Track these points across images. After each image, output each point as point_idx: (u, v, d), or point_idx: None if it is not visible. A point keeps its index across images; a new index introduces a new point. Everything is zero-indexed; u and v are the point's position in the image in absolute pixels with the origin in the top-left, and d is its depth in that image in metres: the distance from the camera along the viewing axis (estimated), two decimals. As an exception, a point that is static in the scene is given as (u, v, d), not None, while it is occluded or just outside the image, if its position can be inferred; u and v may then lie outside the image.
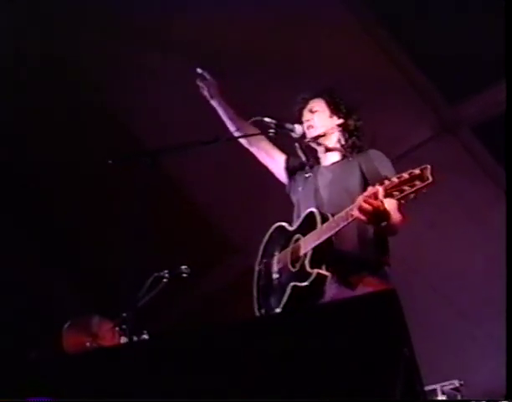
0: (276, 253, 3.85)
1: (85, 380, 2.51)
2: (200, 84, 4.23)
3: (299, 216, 3.87)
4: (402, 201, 3.27)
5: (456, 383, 4.81)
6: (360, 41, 5.57)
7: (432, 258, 6.06)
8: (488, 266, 5.51)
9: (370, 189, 3.37)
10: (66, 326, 4.99)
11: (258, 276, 3.92)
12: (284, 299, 3.64)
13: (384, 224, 3.45)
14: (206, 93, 4.23)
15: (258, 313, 3.81)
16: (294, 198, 4.07)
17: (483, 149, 5.82)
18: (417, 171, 3.20)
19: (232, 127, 4.22)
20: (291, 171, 4.13)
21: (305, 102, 4.06)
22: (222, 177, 6.27)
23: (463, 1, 5.18)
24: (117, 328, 4.61)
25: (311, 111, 4.01)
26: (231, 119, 4.22)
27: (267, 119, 3.92)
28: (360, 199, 3.38)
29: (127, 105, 6.25)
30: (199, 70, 4.21)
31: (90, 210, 6.63)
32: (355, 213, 3.39)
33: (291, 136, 4.01)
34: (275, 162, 4.19)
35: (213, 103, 4.26)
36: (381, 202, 3.31)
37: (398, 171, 5.58)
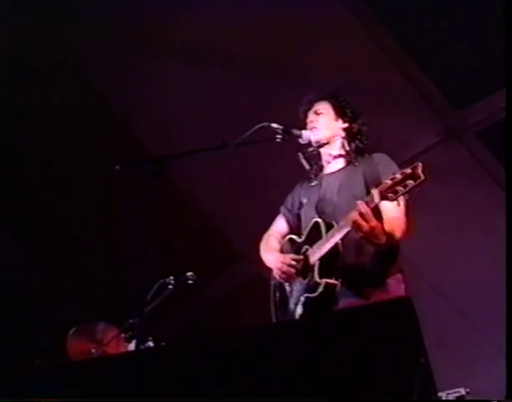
0: None
1: (89, 387, 2.50)
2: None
3: (306, 227, 3.82)
4: (401, 205, 3.30)
5: (462, 391, 4.79)
6: (366, 47, 5.57)
7: (438, 263, 6.04)
8: (494, 272, 5.47)
9: (359, 203, 3.36)
10: (71, 332, 4.97)
11: (273, 290, 3.90)
12: (299, 310, 3.62)
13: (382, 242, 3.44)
14: None
15: None
16: (301, 213, 3.98)
17: (488, 154, 5.81)
18: (408, 170, 3.21)
19: None
20: (291, 209, 4.04)
21: (311, 104, 4.03)
22: (227, 183, 6.25)
23: (468, 6, 5.17)
24: (122, 335, 4.61)
25: (316, 113, 3.99)
26: None
27: (274, 125, 3.83)
28: (355, 212, 3.38)
29: (129, 107, 6.25)
30: None
31: (94, 214, 6.62)
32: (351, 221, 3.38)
33: (298, 143, 3.95)
34: (288, 226, 4.06)
35: None
36: (372, 221, 3.33)
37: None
